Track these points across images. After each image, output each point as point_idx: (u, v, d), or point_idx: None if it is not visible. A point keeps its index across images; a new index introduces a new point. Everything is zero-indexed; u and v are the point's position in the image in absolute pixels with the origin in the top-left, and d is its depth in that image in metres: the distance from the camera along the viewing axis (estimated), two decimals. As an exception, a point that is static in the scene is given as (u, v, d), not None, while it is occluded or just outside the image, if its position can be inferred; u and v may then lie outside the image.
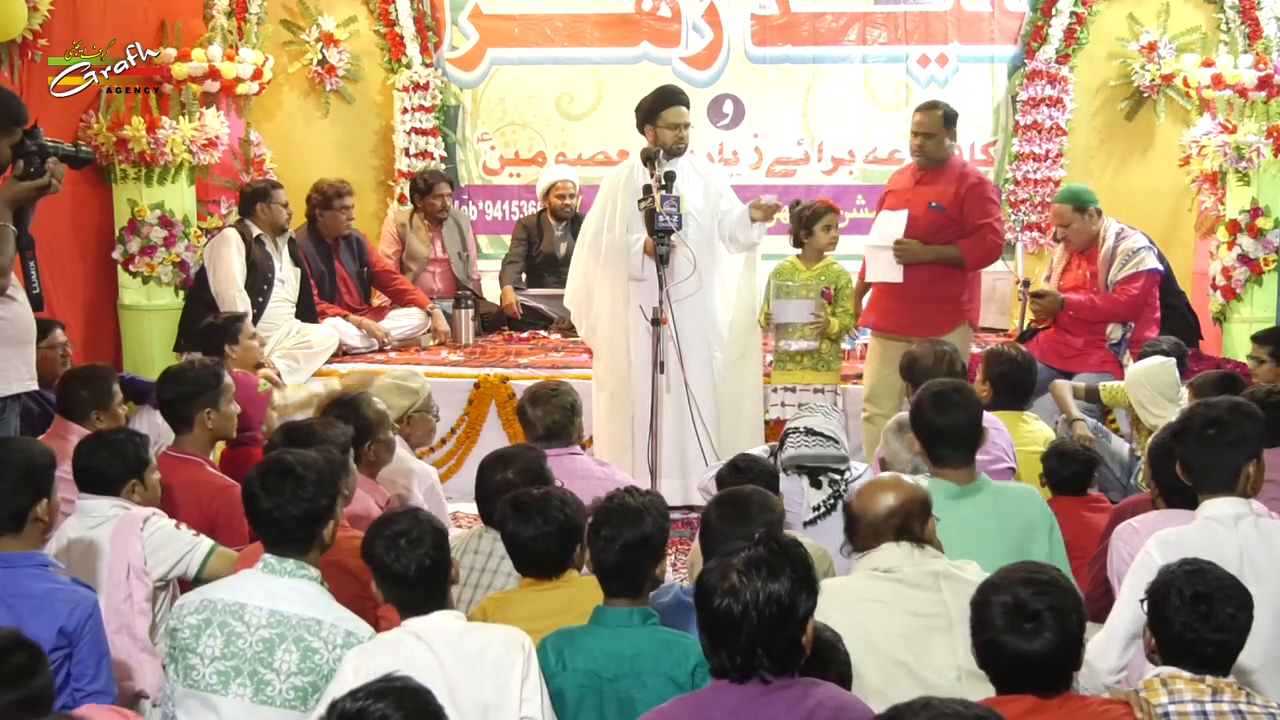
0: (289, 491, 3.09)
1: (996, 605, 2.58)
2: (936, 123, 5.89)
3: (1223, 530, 3.22)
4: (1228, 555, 3.11)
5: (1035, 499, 3.73)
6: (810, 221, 6.07)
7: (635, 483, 4.70)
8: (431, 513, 3.11)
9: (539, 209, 7.95)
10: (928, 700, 2.18)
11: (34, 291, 4.38)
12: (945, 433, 3.68)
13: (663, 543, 3.10)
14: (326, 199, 7.19)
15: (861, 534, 3.16)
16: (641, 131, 6.06)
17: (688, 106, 6.07)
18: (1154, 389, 5.17)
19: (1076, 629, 2.59)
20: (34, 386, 4.40)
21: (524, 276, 7.86)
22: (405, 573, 2.91)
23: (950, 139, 5.96)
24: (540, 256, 7.87)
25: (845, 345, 6.88)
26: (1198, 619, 2.73)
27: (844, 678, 2.76)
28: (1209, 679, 2.72)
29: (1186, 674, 2.74)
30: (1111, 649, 3.16)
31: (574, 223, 7.83)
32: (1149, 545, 3.23)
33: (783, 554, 2.50)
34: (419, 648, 2.83)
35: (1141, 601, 2.86)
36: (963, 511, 3.50)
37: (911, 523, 3.13)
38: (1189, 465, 3.36)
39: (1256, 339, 5.46)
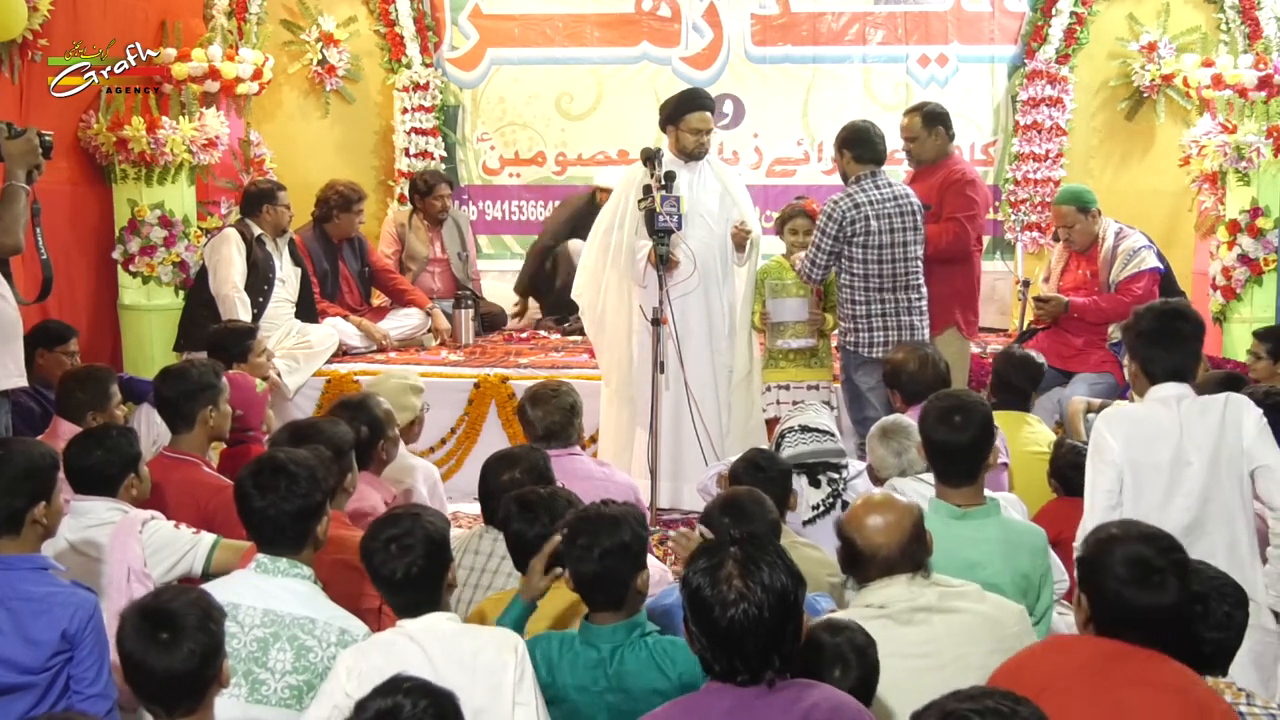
0: (283, 489, 3.10)
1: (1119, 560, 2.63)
2: (916, 125, 6.02)
3: (1164, 409, 3.54)
4: (1169, 428, 3.51)
5: (1040, 540, 3.58)
6: (781, 222, 6.09)
7: (634, 484, 4.72)
8: (436, 513, 3.09)
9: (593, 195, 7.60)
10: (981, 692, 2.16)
11: (43, 258, 4.41)
12: (940, 450, 3.65)
13: (641, 552, 3.02)
14: (347, 201, 7.19)
15: (874, 571, 3.07)
16: (663, 130, 6.06)
17: (713, 112, 6.08)
18: None
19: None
20: (23, 383, 4.41)
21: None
22: (392, 577, 2.91)
23: (936, 138, 6.01)
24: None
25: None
26: (1194, 619, 2.73)
27: (865, 683, 2.73)
28: (1208, 680, 2.72)
29: None
30: (1093, 522, 3.33)
31: None
32: (1098, 424, 3.56)
33: (765, 546, 2.49)
34: (412, 649, 2.83)
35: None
36: (959, 533, 3.39)
37: (920, 551, 3.07)
38: (1153, 360, 3.61)
39: (1258, 335, 5.50)
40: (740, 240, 5.92)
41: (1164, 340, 3.59)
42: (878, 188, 5.58)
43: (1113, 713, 2.51)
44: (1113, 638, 2.61)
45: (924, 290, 5.71)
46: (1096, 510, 3.49)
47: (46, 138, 4.33)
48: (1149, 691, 2.52)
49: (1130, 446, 3.49)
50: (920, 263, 5.68)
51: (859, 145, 5.65)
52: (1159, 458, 3.48)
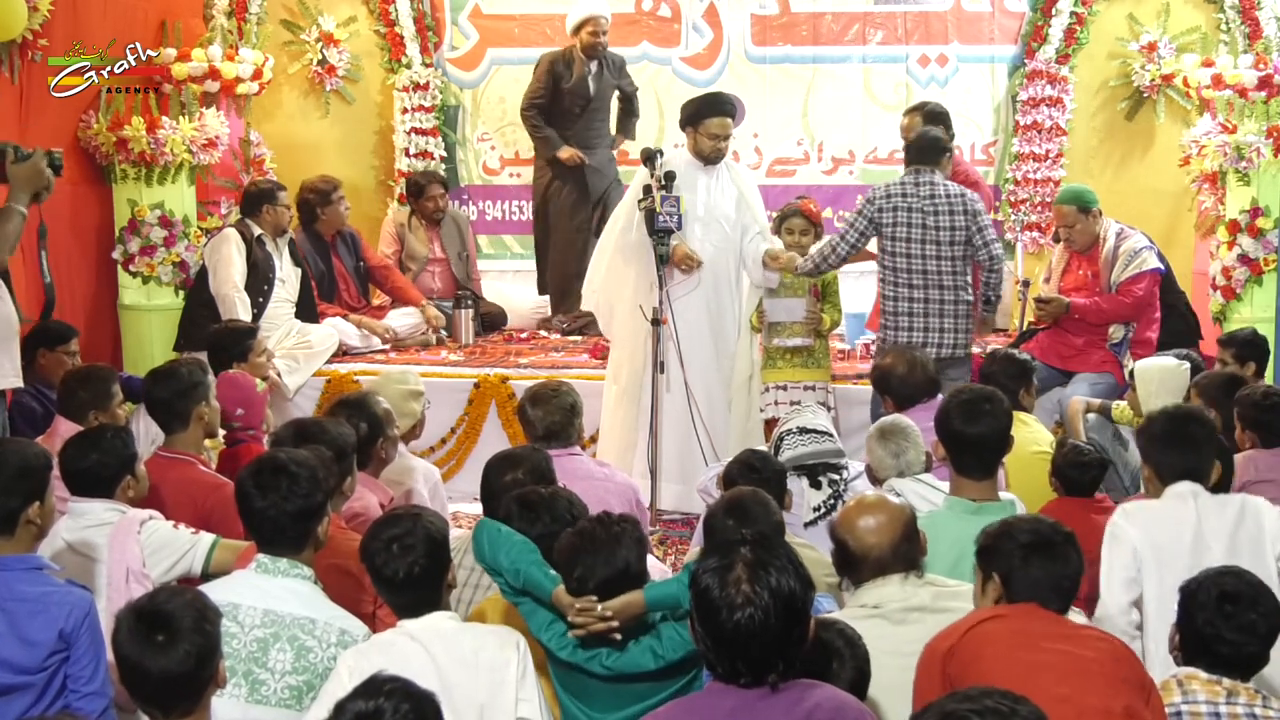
0: (284, 489, 3.10)
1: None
2: (916, 125, 6.13)
3: (1180, 503, 3.53)
4: (1186, 521, 3.48)
5: None
6: (779, 221, 6.09)
7: (634, 484, 4.70)
8: (436, 514, 3.10)
9: (568, 45, 7.51)
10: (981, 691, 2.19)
11: (45, 280, 4.41)
12: (969, 442, 3.68)
13: (641, 574, 2.99)
14: (325, 195, 7.18)
15: (867, 572, 3.10)
16: (682, 130, 6.07)
17: (734, 118, 6.08)
18: (1161, 385, 5.17)
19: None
20: (19, 384, 4.42)
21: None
22: (395, 577, 2.92)
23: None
24: (569, 95, 7.47)
25: (844, 345, 6.90)
26: (1221, 617, 2.78)
27: (862, 673, 2.75)
28: (1226, 681, 2.74)
29: (1203, 674, 2.76)
30: (1111, 597, 3.46)
31: (604, 63, 7.51)
32: (1116, 516, 3.54)
33: (775, 549, 2.47)
34: (414, 649, 2.84)
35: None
36: (974, 528, 3.31)
37: (913, 550, 3.11)
38: (1166, 464, 3.61)
39: (1221, 342, 5.51)
40: (783, 267, 5.87)
41: (1177, 443, 3.60)
42: (917, 185, 5.63)
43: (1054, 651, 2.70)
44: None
45: (963, 295, 5.64)
46: (1114, 584, 3.48)
47: (56, 157, 4.27)
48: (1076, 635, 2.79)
49: (1150, 532, 3.48)
50: (962, 263, 5.63)
51: (908, 150, 5.86)
52: (1179, 543, 3.46)
